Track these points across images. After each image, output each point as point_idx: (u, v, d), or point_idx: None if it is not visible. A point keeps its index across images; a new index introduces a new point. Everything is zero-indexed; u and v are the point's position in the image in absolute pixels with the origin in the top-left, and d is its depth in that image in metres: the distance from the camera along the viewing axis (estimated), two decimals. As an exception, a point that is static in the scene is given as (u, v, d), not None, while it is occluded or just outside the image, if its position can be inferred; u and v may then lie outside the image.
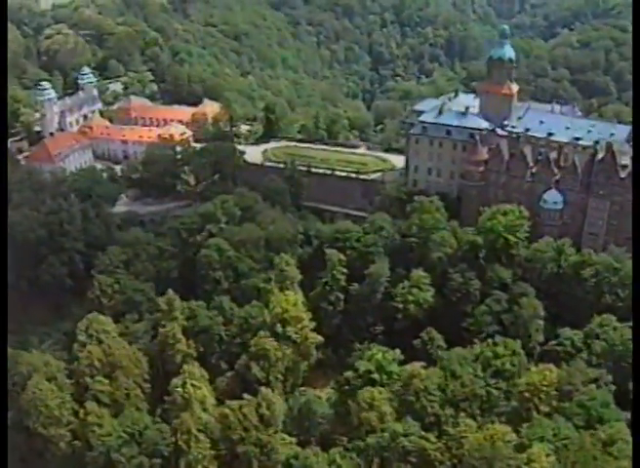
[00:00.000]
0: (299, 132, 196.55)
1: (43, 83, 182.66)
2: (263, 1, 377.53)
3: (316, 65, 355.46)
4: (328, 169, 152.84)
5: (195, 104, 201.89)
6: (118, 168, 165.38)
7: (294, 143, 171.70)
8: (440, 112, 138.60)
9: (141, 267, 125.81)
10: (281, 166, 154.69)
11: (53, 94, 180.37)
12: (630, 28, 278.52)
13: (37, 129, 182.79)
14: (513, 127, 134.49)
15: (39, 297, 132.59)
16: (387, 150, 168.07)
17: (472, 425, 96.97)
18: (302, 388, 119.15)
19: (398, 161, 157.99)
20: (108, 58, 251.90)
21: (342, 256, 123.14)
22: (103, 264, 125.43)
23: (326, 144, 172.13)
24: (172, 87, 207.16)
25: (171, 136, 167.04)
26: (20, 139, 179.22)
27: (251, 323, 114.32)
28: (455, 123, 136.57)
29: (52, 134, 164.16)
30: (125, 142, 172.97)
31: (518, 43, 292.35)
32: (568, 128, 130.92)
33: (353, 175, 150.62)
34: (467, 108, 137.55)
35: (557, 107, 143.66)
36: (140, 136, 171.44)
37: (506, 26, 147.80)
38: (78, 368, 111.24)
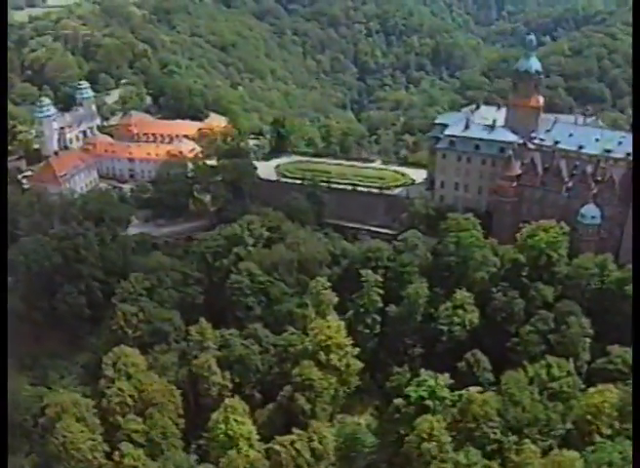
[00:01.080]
0: (306, 145, 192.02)
1: (42, 99, 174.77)
2: (247, 11, 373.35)
3: (303, 76, 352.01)
4: (348, 184, 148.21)
5: (196, 118, 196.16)
6: (126, 187, 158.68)
7: (306, 158, 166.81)
8: (467, 126, 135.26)
9: (166, 294, 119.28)
10: (298, 182, 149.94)
11: (52, 110, 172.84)
12: (621, 36, 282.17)
13: (35, 146, 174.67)
14: (542, 140, 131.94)
15: (55, 329, 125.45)
16: (403, 164, 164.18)
17: (536, 451, 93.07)
18: (340, 416, 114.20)
19: (416, 175, 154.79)
20: (97, 71, 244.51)
21: (380, 278, 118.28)
22: (126, 292, 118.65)
23: (339, 159, 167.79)
24: (172, 100, 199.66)
25: (180, 152, 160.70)
26: (18, 158, 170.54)
27: (290, 351, 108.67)
28: (483, 137, 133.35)
29: (56, 153, 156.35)
30: (131, 160, 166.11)
31: (512, 52, 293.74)
32: (597, 140, 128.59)
33: (375, 191, 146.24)
34: (495, 121, 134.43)
35: (580, 119, 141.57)
36: (148, 154, 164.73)
37: (532, 37, 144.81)
38: (108, 406, 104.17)
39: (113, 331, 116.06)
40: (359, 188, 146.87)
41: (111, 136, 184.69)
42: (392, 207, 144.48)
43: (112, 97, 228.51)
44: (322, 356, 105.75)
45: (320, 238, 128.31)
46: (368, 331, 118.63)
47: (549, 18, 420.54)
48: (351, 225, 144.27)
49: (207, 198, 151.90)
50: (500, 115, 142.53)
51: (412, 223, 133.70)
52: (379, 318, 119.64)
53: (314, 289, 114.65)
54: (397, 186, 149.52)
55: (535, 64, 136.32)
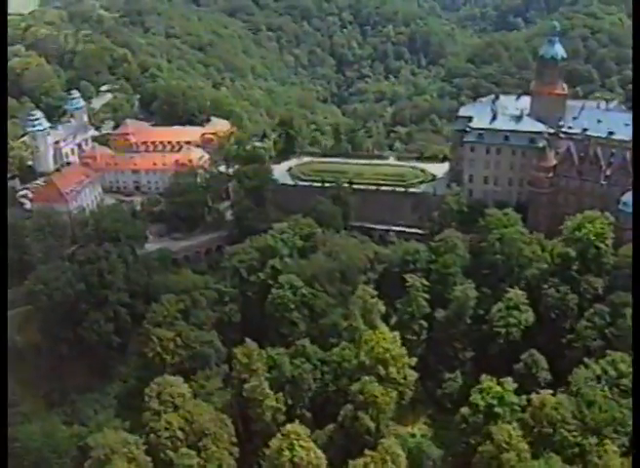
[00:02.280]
0: (310, 145, 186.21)
1: (34, 112, 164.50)
2: (218, 9, 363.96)
3: (282, 72, 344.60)
4: (371, 184, 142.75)
5: (193, 123, 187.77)
6: (134, 200, 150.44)
7: (317, 159, 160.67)
8: (494, 117, 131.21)
9: (203, 315, 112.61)
10: (317, 185, 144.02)
11: (45, 124, 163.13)
12: (601, 15, 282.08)
13: (28, 163, 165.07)
14: (570, 128, 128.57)
15: (82, 360, 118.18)
16: (418, 159, 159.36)
17: (617, 452, 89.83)
18: (393, 427, 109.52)
19: (435, 170, 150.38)
20: (76, 78, 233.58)
21: (425, 281, 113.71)
22: (160, 315, 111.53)
23: (351, 157, 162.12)
24: (165, 106, 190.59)
25: (190, 161, 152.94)
26: (12, 177, 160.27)
27: (345, 367, 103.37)
28: (512, 128, 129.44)
29: (58, 169, 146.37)
30: (136, 172, 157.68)
31: (496, 37, 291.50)
32: (627, 124, 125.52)
33: (400, 190, 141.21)
34: (522, 111, 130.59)
35: (602, 104, 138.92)
36: (154, 164, 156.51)
37: (556, 23, 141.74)
38: (158, 441, 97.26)
39: (149, 359, 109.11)
40: (383, 188, 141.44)
41: (107, 146, 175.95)
42: (419, 205, 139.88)
43: (95, 105, 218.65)
44: (381, 370, 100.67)
45: (356, 243, 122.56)
46: (415, 337, 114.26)
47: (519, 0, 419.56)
48: (377, 227, 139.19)
49: (222, 207, 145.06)
50: (520, 104, 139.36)
51: (444, 221, 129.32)
52: (425, 323, 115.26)
53: (360, 298, 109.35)
54: (418, 183, 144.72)
55: (560, 51, 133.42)
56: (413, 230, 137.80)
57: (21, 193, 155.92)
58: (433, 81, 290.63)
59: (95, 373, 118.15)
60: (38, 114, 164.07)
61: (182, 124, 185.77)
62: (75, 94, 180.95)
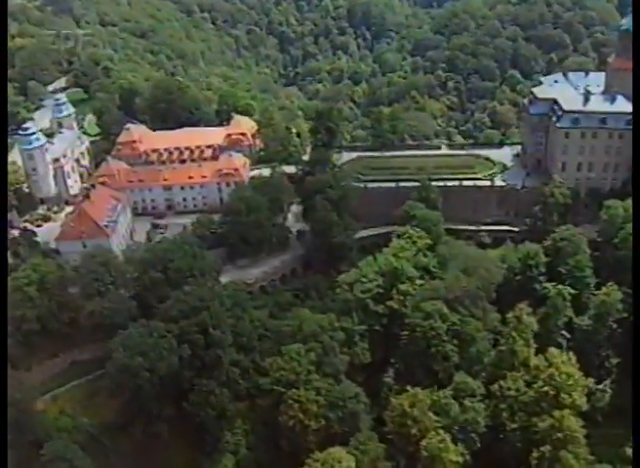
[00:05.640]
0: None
1: (27, 126, 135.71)
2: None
3: (226, 55, 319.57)
4: (448, 179, 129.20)
5: (197, 124, 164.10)
6: (166, 224, 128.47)
7: (366, 154, 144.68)
8: (586, 99, 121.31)
9: (337, 362, 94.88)
10: (385, 185, 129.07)
11: (43, 139, 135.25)
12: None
13: (24, 187, 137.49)
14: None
15: (186, 438, 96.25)
16: (474, 145, 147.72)
17: None
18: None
19: (497, 156, 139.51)
20: (22, 79, 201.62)
21: (570, 289, 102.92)
22: (291, 372, 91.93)
23: (397, 149, 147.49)
24: (163, 104, 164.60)
25: (236, 169, 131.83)
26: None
27: (521, 400, 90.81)
28: (608, 109, 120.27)
29: (87, 195, 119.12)
30: (168, 188, 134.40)
31: (458, 6, 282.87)
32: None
33: (483, 184, 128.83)
34: (616, 94, 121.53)
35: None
36: (191, 177, 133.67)
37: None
38: None
39: (289, 428, 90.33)
40: (464, 182, 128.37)
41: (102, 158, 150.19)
42: (505, 199, 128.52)
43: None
44: (566, 399, 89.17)
45: (483, 253, 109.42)
46: (559, 349, 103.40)
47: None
48: (464, 227, 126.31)
49: (287, 222, 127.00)
50: (590, 81, 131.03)
51: (549, 217, 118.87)
52: (567, 333, 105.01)
53: (516, 317, 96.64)
54: (494, 174, 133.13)
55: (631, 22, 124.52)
56: (503, 227, 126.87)
57: (30, 228, 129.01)
58: (402, 56, 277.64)
59: (198, 449, 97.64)
60: (33, 127, 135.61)
61: (182, 125, 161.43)
62: (61, 98, 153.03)
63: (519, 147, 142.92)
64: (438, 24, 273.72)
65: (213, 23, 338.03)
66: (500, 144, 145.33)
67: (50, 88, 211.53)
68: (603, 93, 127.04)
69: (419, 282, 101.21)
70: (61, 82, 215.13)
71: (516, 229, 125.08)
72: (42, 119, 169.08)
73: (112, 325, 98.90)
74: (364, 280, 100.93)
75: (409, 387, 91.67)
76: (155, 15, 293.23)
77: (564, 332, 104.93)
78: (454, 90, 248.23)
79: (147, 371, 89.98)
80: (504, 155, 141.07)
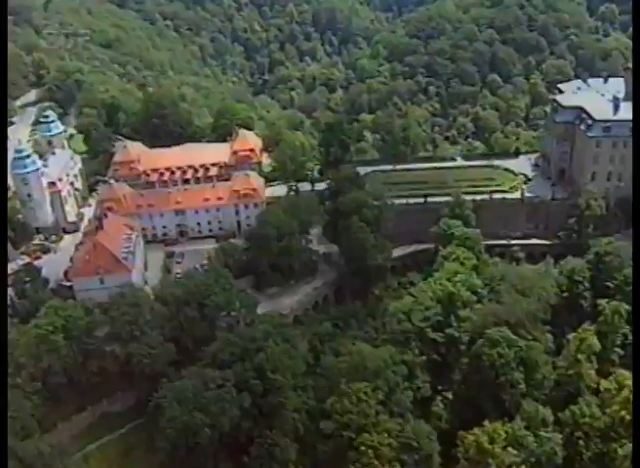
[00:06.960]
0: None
1: (22, 148, 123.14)
2: (105, 0, 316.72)
3: (193, 64, 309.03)
4: (475, 193, 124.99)
5: (191, 138, 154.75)
6: (182, 252, 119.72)
7: (377, 168, 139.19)
8: (616, 107, 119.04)
9: (402, 400, 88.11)
10: (411, 201, 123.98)
11: (39, 162, 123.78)
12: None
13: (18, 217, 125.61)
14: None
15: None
16: (489, 156, 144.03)
17: None
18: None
19: (516, 167, 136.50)
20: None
21: (626, 305, 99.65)
22: (361, 416, 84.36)
23: (409, 162, 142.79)
24: (157, 119, 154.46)
25: (255, 189, 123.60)
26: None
27: (596, 426, 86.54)
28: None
29: (99, 227, 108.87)
30: (181, 212, 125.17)
31: (433, 10, 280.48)
32: None
33: (512, 197, 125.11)
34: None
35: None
36: (206, 199, 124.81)
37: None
38: None
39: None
40: (495, 195, 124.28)
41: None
42: (534, 212, 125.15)
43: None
44: None
45: (534, 271, 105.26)
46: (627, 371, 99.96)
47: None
48: (495, 242, 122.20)
49: (311, 246, 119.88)
50: (610, 87, 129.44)
51: (584, 229, 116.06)
52: (622, 351, 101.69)
53: (579, 338, 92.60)
54: (517, 186, 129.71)
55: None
56: (535, 241, 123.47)
57: (27, 261, 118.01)
58: (377, 62, 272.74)
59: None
60: (25, 149, 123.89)
61: (176, 142, 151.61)
62: (51, 115, 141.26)
63: (533, 157, 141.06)
64: (414, 29, 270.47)
65: (176, 31, 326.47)
66: (516, 154, 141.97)
67: (18, 102, 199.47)
68: (625, 99, 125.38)
69: (476, 306, 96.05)
70: (31, 96, 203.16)
71: (547, 243, 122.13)
72: (14, 136, 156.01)
73: (151, 372, 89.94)
74: (420, 307, 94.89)
75: (470, 418, 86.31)
76: (119, 24, 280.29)
77: (617, 350, 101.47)
78: (435, 95, 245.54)
79: (208, 427, 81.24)
80: (522, 165, 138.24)
